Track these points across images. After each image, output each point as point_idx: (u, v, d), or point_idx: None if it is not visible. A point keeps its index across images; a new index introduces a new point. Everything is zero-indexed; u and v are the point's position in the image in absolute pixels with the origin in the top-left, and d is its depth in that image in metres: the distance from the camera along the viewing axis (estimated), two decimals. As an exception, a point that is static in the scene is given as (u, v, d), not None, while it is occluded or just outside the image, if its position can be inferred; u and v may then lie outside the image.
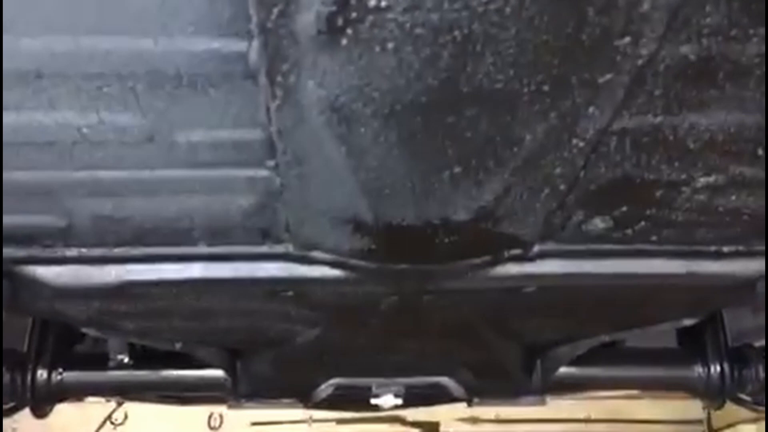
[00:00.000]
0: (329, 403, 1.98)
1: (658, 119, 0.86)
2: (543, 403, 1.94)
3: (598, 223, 1.12)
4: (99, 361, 1.88)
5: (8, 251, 1.16)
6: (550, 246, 1.20)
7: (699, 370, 1.92)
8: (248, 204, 1.06)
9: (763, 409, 1.98)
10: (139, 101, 0.81)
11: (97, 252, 1.18)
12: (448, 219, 1.05)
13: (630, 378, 1.99)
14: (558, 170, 0.95)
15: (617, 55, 0.74)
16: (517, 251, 1.20)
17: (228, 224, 1.11)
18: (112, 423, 7.22)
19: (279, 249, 1.20)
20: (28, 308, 1.39)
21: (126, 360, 1.84)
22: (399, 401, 1.94)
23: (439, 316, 1.45)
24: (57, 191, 1.00)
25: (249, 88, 0.80)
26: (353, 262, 1.20)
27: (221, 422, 7.44)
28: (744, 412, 6.56)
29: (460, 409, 7.14)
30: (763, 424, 6.59)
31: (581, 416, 7.62)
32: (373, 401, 1.94)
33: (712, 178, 0.99)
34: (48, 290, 1.24)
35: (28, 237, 1.14)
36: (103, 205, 1.03)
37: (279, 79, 0.77)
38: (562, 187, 1.00)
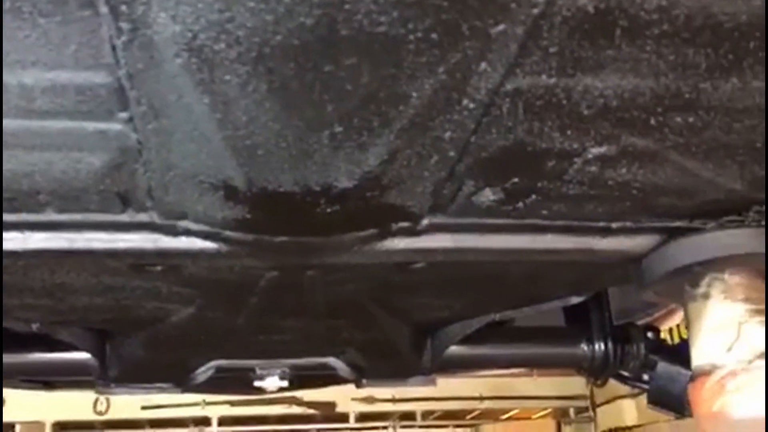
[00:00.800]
0: (210, 387, 1.86)
1: (552, 80, 0.80)
2: (433, 383, 1.90)
3: (489, 195, 1.06)
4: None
5: None
6: (439, 219, 1.13)
7: (584, 347, 1.93)
8: (100, 163, 0.92)
9: (641, 385, 2.03)
10: None
11: None
12: (329, 186, 0.96)
13: (519, 356, 1.99)
14: (448, 134, 0.88)
15: (512, 1, 0.67)
16: (404, 224, 1.13)
17: (78, 187, 0.97)
18: (-20, 408, 6.78)
19: (142, 218, 1.07)
20: None
21: (-22, 342, 1.65)
22: (284, 383, 1.85)
23: (323, 293, 1.36)
24: None
25: (89, 18, 0.67)
26: (227, 233, 1.09)
27: (108, 406, 7.15)
28: (624, 388, 6.94)
29: (355, 389, 7.19)
30: (641, 398, 6.99)
31: (474, 394, 7.85)
32: (257, 384, 1.84)
33: (603, 149, 0.95)
34: None
35: None
36: None
37: (123, 8, 0.65)
38: (452, 153, 0.93)
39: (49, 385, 2.17)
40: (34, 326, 1.50)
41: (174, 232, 1.10)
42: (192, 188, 0.98)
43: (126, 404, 7.11)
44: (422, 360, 1.86)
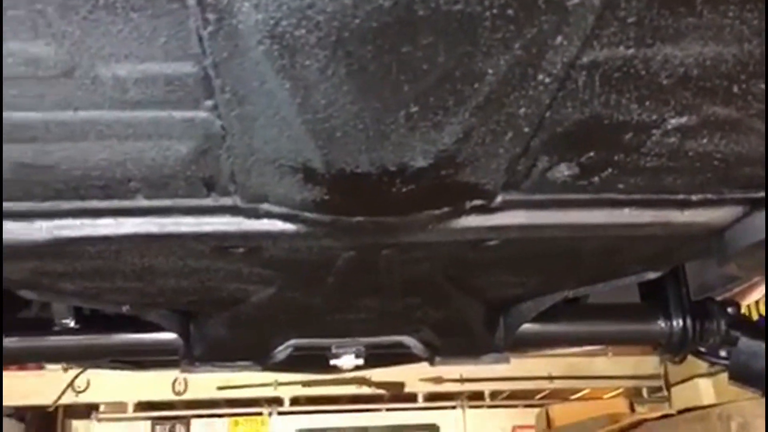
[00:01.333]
0: (287, 365, 1.92)
1: (630, 51, 0.79)
2: (506, 361, 1.91)
3: (564, 170, 1.06)
4: (44, 326, 1.79)
5: (-75, 206, 1.06)
6: (513, 196, 1.14)
7: (661, 324, 1.90)
8: (187, 150, 0.97)
9: (722, 362, 1.99)
10: (51, 27, 0.71)
11: (25, 206, 1.08)
12: (405, 165, 0.97)
13: (594, 333, 1.97)
14: (522, 110, 0.88)
15: None
16: (479, 202, 1.14)
17: (167, 174, 1.02)
18: (74, 390, 7.14)
19: (225, 201, 1.11)
20: None
21: (71, 324, 1.75)
22: (359, 362, 1.89)
23: (398, 272, 1.38)
24: None
25: (177, 11, 0.71)
26: (305, 215, 1.12)
27: (186, 387, 7.41)
28: (700, 367, 6.68)
29: (425, 369, 7.20)
30: (718, 377, 6.78)
31: (543, 374, 7.77)
32: (332, 362, 1.89)
33: (684, 119, 0.93)
34: None
35: None
36: (24, 151, 0.93)
37: (210, 0, 0.68)
38: (526, 129, 0.93)
39: (135, 365, 2.28)
40: (124, 308, 1.58)
41: (255, 214, 1.14)
42: (272, 172, 1.01)
43: (203, 385, 7.32)
44: (495, 338, 1.87)
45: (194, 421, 7.32)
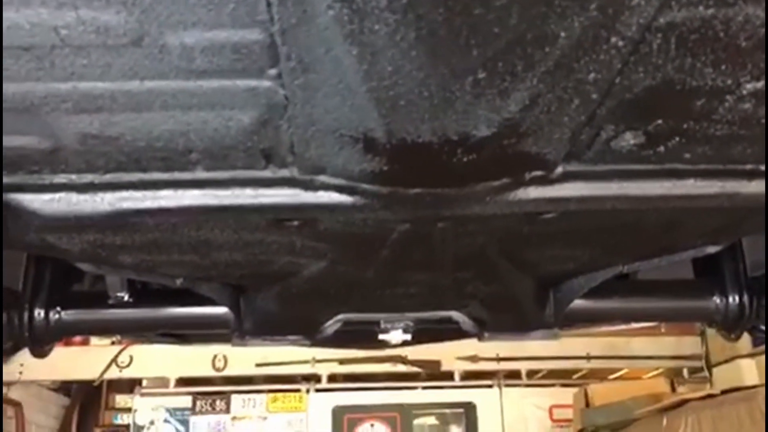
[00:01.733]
0: (336, 340, 1.93)
1: (710, 11, 0.76)
2: (556, 337, 1.89)
3: (629, 139, 1.03)
4: (98, 299, 1.82)
5: (-9, 178, 1.08)
6: (574, 167, 1.11)
7: (717, 300, 1.86)
8: (249, 121, 0.96)
9: (780, 339, 1.93)
10: None
11: (88, 178, 1.10)
12: (467, 135, 0.96)
13: (646, 309, 1.94)
14: (592, 75, 0.86)
15: None
16: (539, 173, 1.12)
17: (227, 144, 1.02)
18: (117, 366, 7.30)
19: (283, 173, 1.11)
20: (19, 241, 1.31)
21: (126, 298, 1.78)
22: (407, 337, 1.89)
23: (452, 245, 1.37)
24: (38, 106, 0.91)
25: None
26: (363, 186, 1.12)
27: (225, 363, 7.52)
28: (742, 347, 6.52)
29: (462, 347, 7.18)
30: (762, 358, 6.64)
31: (581, 353, 7.69)
32: (380, 337, 1.89)
33: (759, 84, 0.90)
34: (37, 221, 1.16)
35: (12, 161, 1.05)
36: (90, 122, 0.94)
37: None
38: (594, 96, 0.91)
39: (184, 339, 2.31)
40: (178, 281, 1.60)
41: (312, 186, 1.13)
42: (332, 142, 1.01)
43: (242, 361, 7.42)
44: (544, 313, 1.85)
45: (234, 397, 7.41)
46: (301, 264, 1.52)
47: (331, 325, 1.84)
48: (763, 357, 6.73)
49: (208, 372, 7.51)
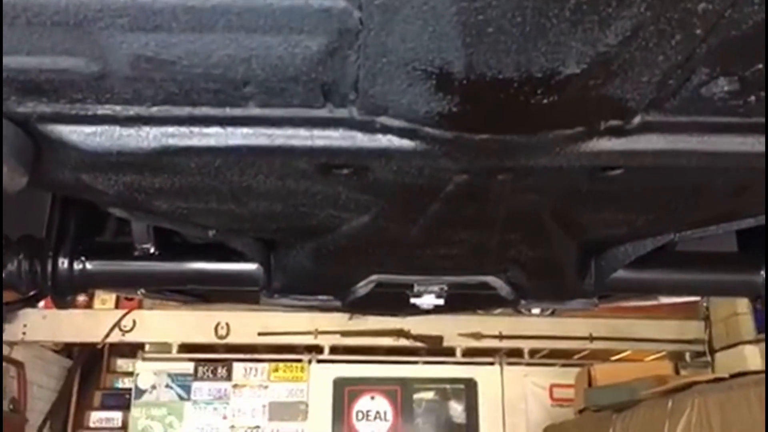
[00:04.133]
0: (366, 303, 1.86)
1: None
2: (595, 306, 1.83)
3: (723, 86, 0.95)
4: (123, 250, 1.75)
5: (30, 105, 1.00)
6: (653, 117, 1.04)
7: (764, 275, 1.79)
8: (317, 48, 0.89)
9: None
10: None
11: (134, 110, 1.02)
12: (553, 72, 0.88)
13: (689, 282, 1.87)
14: (702, 6, 0.78)
15: None
16: (615, 122, 1.04)
17: (289, 76, 0.94)
18: (120, 330, 7.28)
19: (341, 113, 1.04)
20: (51, 180, 1.23)
21: (151, 250, 1.71)
22: (440, 302, 1.83)
23: (506, 202, 1.30)
24: (92, 21, 0.82)
25: None
26: (426, 130, 1.04)
27: (228, 331, 7.51)
28: (746, 333, 6.47)
29: (464, 323, 7.13)
30: (764, 344, 6.59)
31: (584, 334, 7.67)
32: (413, 301, 1.83)
33: None
34: (75, 156, 1.09)
35: (53, 87, 0.97)
36: (146, 42, 0.86)
37: None
38: (698, 31, 0.83)
39: (205, 298, 2.25)
40: (211, 233, 1.53)
41: (371, 129, 1.06)
42: (402, 77, 0.93)
43: (244, 330, 7.41)
44: (584, 282, 1.78)
45: (235, 365, 7.42)
46: (342, 218, 1.45)
47: (364, 287, 1.77)
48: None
49: (211, 339, 7.50)
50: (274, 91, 0.98)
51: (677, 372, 7.85)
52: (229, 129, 1.06)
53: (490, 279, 1.75)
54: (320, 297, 1.85)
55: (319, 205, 1.38)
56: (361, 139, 1.08)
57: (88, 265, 1.74)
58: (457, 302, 1.86)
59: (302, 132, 1.07)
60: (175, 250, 1.78)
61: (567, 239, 1.58)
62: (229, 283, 1.85)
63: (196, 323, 7.43)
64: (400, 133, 1.06)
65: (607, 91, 0.94)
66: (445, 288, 1.78)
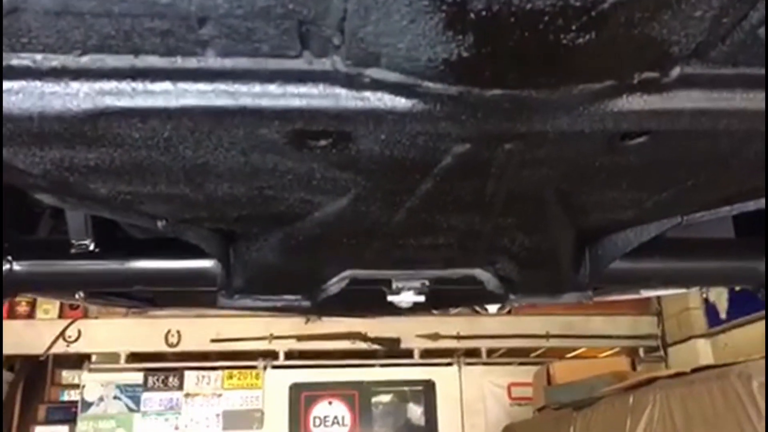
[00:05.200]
0: (338, 303, 1.66)
1: None
2: (590, 299, 1.66)
3: (785, 25, 0.79)
4: (57, 248, 1.51)
5: None
6: (695, 68, 0.87)
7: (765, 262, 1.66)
8: None
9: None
10: None
11: (58, 59, 0.80)
12: (592, 3, 0.70)
13: (689, 272, 1.73)
14: None
15: None
16: (651, 74, 0.87)
17: (256, 9, 0.74)
18: (65, 340, 6.91)
19: (322, 64, 0.84)
20: None
21: (90, 246, 1.47)
22: (420, 299, 1.63)
23: (509, 179, 1.12)
24: None
25: None
26: (427, 85, 0.85)
27: (179, 339, 7.21)
28: (698, 327, 6.51)
29: (422, 325, 7.03)
30: (717, 338, 6.64)
31: (541, 332, 7.65)
32: (390, 299, 1.63)
33: None
34: None
35: None
36: None
37: None
38: None
39: (153, 302, 2.01)
40: (160, 223, 1.30)
41: (359, 84, 0.86)
42: (402, 10, 0.74)
43: (196, 337, 7.17)
44: (579, 274, 1.62)
45: (187, 373, 7.15)
46: (315, 203, 1.24)
47: (336, 283, 1.57)
48: (718, 338, 6.76)
49: (161, 348, 7.22)
50: (239, 33, 0.78)
51: (634, 368, 7.90)
52: (182, 85, 0.85)
53: (478, 272, 1.57)
54: (287, 297, 1.63)
55: (288, 187, 1.17)
56: (345, 98, 0.88)
57: (16, 266, 1.49)
58: (439, 299, 1.67)
59: (273, 89, 0.86)
60: (118, 247, 1.55)
61: (566, 225, 1.41)
62: (182, 284, 1.62)
63: (145, 331, 7.14)
64: (394, 89, 0.87)
65: (652, 30, 0.77)
66: (427, 283, 1.59)
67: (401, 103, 0.88)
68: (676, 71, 0.87)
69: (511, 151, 1.01)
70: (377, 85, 0.86)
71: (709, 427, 3.59)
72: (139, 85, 0.84)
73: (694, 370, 4.22)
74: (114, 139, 0.94)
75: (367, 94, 0.88)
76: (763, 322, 6.01)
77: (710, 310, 6.79)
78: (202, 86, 0.85)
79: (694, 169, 1.15)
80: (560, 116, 0.91)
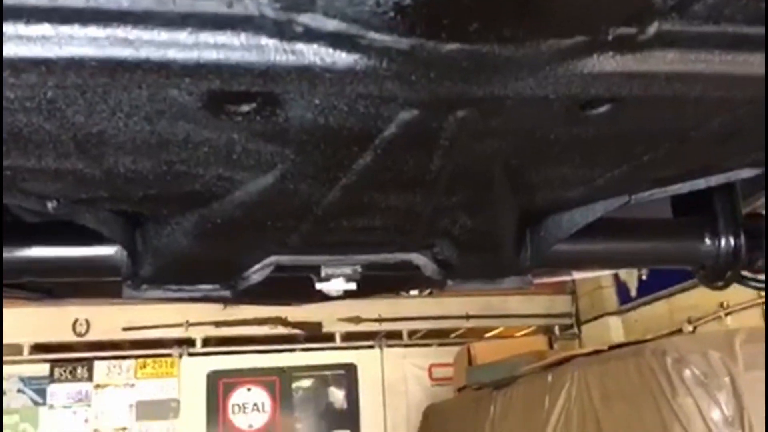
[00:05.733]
0: (261, 293, 1.50)
1: None
2: (530, 284, 1.57)
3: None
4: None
5: None
6: (673, 25, 0.77)
7: (708, 242, 1.61)
8: None
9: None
10: None
11: None
12: None
13: (632, 252, 1.66)
14: None
15: None
16: (627, 30, 0.76)
17: None
18: (-33, 332, 6.44)
19: (245, 8, 0.68)
20: None
21: (-32, 232, 1.26)
22: (351, 286, 1.50)
23: (457, 153, 0.99)
24: None
25: None
26: (373, 36, 0.71)
27: (88, 328, 6.86)
28: (609, 305, 6.75)
29: (343, 308, 6.99)
30: (628, 315, 6.86)
31: (461, 313, 7.73)
32: (318, 286, 1.49)
33: None
34: None
35: None
36: None
37: None
38: None
39: (50, 292, 1.79)
40: (50, 204, 1.11)
41: (290, 34, 0.71)
42: None
43: (107, 325, 6.87)
44: (520, 257, 1.52)
45: (97, 363, 6.87)
46: (235, 180, 1.08)
47: (259, 271, 1.41)
48: (629, 315, 6.98)
49: (69, 337, 6.87)
50: None
51: (551, 346, 8.10)
52: (65, 29, 0.67)
53: (414, 256, 1.44)
54: (203, 287, 1.46)
55: (204, 162, 1.00)
56: (273, 51, 0.72)
57: None
58: (370, 286, 1.54)
59: (183, 37, 0.70)
60: (5, 232, 1.33)
61: (512, 204, 1.30)
62: (81, 273, 1.42)
63: (50, 321, 6.77)
64: (332, 41, 0.72)
65: None
66: (359, 269, 1.45)
67: (341, 58, 0.73)
68: (653, 27, 0.76)
69: (463, 120, 0.88)
70: (312, 36, 0.71)
71: (626, 402, 3.65)
72: (9, 29, 0.66)
73: (611, 348, 4.29)
74: None
75: (300, 46, 0.73)
76: (669, 300, 6.27)
77: (621, 288, 7.01)
78: (92, 31, 0.68)
79: (654, 142, 1.05)
80: (523, 78, 0.79)
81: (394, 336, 7.73)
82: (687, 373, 3.28)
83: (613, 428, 3.73)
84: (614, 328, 7.44)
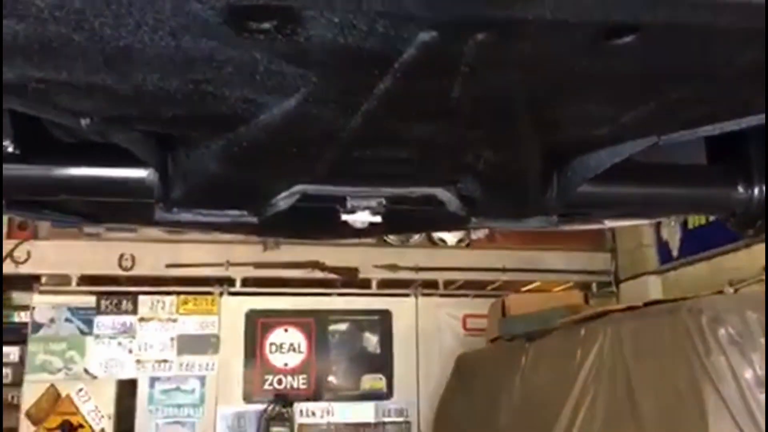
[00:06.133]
0: (287, 223, 1.53)
1: None
2: (555, 225, 1.57)
3: None
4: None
5: None
6: None
7: (741, 189, 1.58)
8: None
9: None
10: None
11: None
12: None
13: (661, 197, 1.63)
14: None
15: None
16: None
17: None
18: (14, 261, 6.68)
19: None
20: None
21: (11, 149, 1.31)
22: (376, 219, 1.51)
23: (478, 81, 0.99)
24: None
25: None
26: (389, -50, 0.71)
27: (133, 263, 7.04)
28: (649, 264, 6.61)
29: (380, 255, 7.01)
30: (667, 275, 6.75)
31: (497, 266, 7.69)
32: (344, 218, 1.50)
33: None
34: None
35: None
36: None
37: None
38: None
39: (94, 218, 1.85)
40: (84, 122, 1.14)
41: (307, -54, 0.72)
42: None
43: (151, 261, 7.02)
44: (545, 197, 1.51)
45: (141, 298, 7.05)
46: (260, 103, 1.09)
47: (285, 199, 1.43)
48: (669, 275, 6.86)
49: (115, 271, 7.06)
50: None
51: (587, 301, 8.05)
52: None
53: (439, 191, 1.45)
54: (230, 212, 1.49)
55: (229, 82, 1.02)
56: None
57: None
58: (396, 221, 1.55)
59: None
60: (43, 150, 1.38)
61: (536, 140, 1.29)
62: (115, 194, 1.47)
63: (97, 254, 6.96)
64: None
65: None
66: (384, 203, 1.46)
67: None
68: None
69: (483, 44, 0.87)
70: None
71: (657, 359, 3.63)
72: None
73: (647, 304, 4.25)
74: (14, 7, 0.78)
75: None
76: (711, 261, 6.13)
77: (662, 247, 6.87)
78: None
79: (681, 79, 1.03)
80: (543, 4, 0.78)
81: (429, 285, 7.72)
82: (722, 331, 3.23)
83: (643, 384, 3.70)
84: (653, 288, 7.33)
